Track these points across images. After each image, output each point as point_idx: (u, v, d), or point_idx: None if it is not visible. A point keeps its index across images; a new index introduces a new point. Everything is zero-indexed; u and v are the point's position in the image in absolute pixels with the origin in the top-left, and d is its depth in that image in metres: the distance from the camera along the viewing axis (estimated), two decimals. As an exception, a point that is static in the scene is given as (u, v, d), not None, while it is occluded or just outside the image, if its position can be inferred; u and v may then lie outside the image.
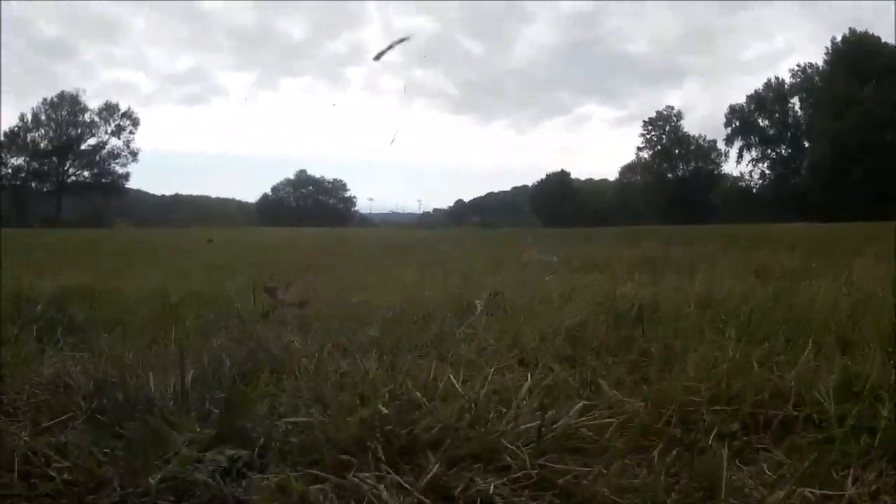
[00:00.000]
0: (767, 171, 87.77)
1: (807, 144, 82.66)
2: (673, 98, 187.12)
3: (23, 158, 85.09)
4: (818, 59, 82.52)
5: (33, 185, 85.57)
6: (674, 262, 9.50)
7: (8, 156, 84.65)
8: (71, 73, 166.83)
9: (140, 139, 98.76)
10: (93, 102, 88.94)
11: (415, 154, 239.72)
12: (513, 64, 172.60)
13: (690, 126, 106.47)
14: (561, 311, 4.20)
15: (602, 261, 10.01)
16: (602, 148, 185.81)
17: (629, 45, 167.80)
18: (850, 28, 76.83)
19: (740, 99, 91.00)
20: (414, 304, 4.81)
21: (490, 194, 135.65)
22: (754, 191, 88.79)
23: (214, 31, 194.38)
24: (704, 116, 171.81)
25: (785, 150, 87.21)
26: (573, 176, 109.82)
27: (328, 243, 22.08)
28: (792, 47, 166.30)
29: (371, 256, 14.11)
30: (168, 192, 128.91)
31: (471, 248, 15.71)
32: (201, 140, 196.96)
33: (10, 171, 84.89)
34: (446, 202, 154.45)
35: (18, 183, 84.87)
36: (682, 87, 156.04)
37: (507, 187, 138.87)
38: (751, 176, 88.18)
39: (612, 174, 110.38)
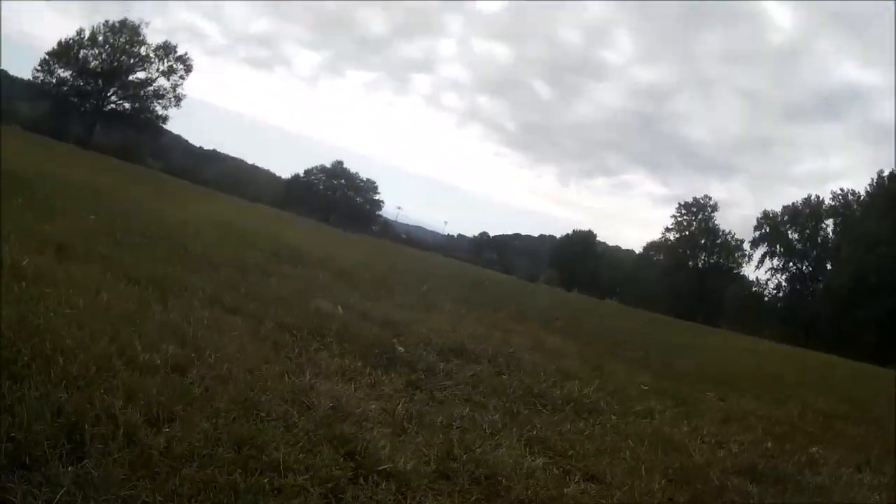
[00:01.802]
0: (784, 284, 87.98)
1: (829, 267, 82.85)
2: (717, 190, 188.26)
3: (70, 72, 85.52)
4: (861, 187, 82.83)
5: (74, 100, 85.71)
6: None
7: (56, 65, 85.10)
8: (145, 5, 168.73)
9: (190, 87, 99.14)
10: (156, 37, 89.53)
11: (453, 174, 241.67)
12: (575, 116, 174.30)
13: (723, 221, 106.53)
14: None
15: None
16: (637, 220, 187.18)
17: (691, 129, 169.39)
18: (897, 165, 77.09)
19: (777, 207, 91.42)
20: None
21: (515, 234, 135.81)
22: (766, 299, 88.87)
23: (296, 3, 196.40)
24: (739, 217, 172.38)
25: (806, 267, 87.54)
26: (601, 239, 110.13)
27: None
28: (842, 172, 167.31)
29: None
30: (207, 146, 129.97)
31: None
32: (253, 103, 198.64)
33: (54, 80, 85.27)
34: (471, 230, 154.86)
35: (59, 94, 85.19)
36: (728, 182, 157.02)
37: (534, 233, 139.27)
38: (766, 284, 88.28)
39: (637, 247, 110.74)
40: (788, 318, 79.98)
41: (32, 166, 14.17)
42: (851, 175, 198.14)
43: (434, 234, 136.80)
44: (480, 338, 8.27)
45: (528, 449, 4.10)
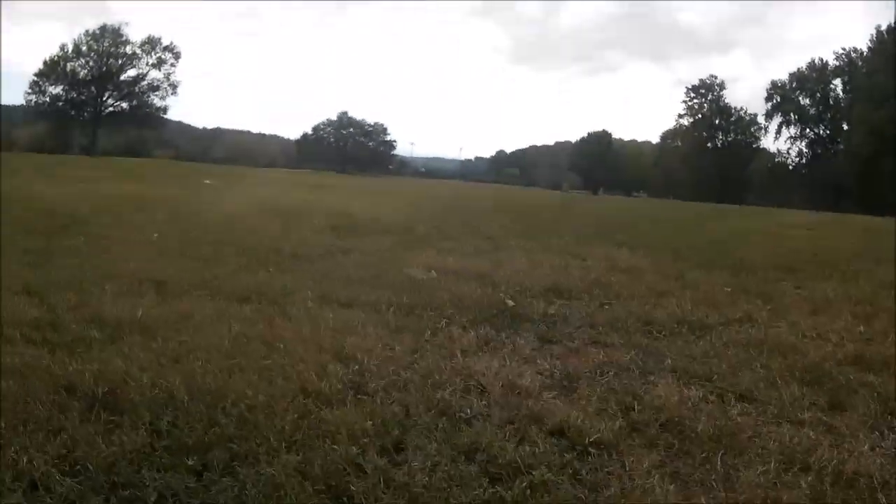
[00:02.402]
0: (805, 150, 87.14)
1: (845, 127, 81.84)
2: (720, 67, 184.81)
3: (61, 87, 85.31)
4: (863, 44, 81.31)
5: (72, 113, 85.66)
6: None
7: (47, 84, 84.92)
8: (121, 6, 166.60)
9: (183, 71, 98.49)
10: (139, 33, 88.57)
11: (459, 101, 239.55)
12: (567, 24, 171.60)
13: (733, 98, 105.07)
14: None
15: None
16: (647, 110, 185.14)
17: (684, 12, 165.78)
18: (896, 17, 75.27)
19: (784, 76, 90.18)
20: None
21: (532, 147, 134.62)
22: (790, 168, 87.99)
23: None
24: (747, 89, 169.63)
25: (823, 130, 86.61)
26: (616, 136, 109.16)
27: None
28: (840, 30, 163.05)
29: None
30: (209, 126, 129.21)
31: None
32: (246, 71, 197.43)
33: (47, 98, 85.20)
34: (487, 151, 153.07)
35: (56, 111, 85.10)
36: (729, 57, 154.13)
37: (550, 141, 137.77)
38: (788, 153, 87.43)
39: (654, 137, 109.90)
40: (816, 183, 79.20)
41: (60, 194, 14.26)
42: (850, 33, 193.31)
43: (451, 161, 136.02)
44: (561, 269, 8.41)
45: (678, 381, 4.23)
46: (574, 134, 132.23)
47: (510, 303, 6.12)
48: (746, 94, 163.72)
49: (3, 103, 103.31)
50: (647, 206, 37.77)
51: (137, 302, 5.18)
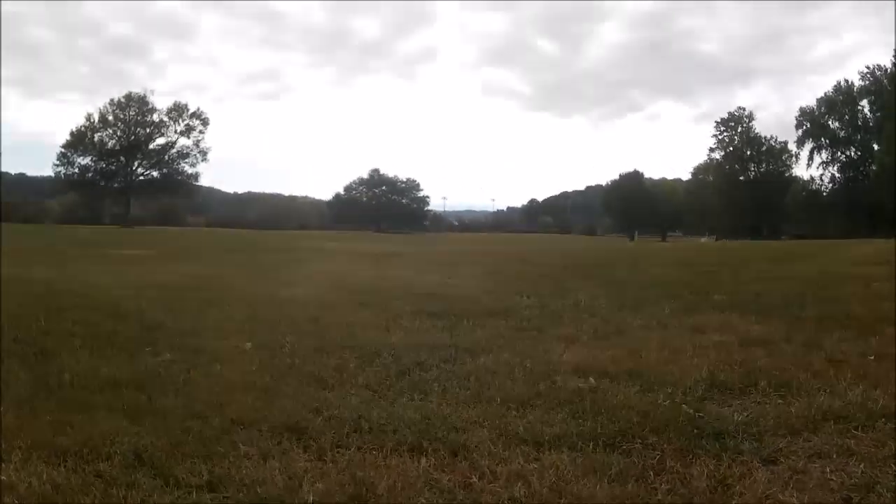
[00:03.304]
0: (837, 175, 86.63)
1: (876, 147, 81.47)
2: (744, 98, 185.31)
3: (90, 158, 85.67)
4: (883, 60, 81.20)
5: (102, 183, 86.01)
6: None
7: (75, 155, 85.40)
8: (142, 72, 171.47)
9: (211, 137, 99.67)
10: (164, 101, 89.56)
11: (487, 152, 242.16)
12: (586, 63, 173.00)
13: (761, 127, 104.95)
14: None
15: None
16: (675, 147, 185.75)
17: (701, 43, 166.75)
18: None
19: (809, 101, 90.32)
20: None
21: (563, 194, 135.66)
22: (824, 195, 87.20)
23: (287, 30, 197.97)
24: (774, 117, 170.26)
25: (855, 152, 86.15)
26: (646, 176, 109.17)
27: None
28: (861, 47, 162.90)
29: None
30: (241, 190, 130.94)
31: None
32: (274, 138, 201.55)
33: (76, 169, 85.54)
34: (520, 200, 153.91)
35: (85, 181, 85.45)
36: (752, 86, 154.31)
37: (580, 186, 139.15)
38: (821, 180, 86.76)
39: (684, 174, 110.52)
40: (851, 207, 78.36)
41: (116, 283, 13.45)
42: (869, 50, 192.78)
43: (484, 212, 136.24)
44: (699, 352, 7.29)
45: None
46: (604, 177, 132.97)
47: (690, 411, 5.10)
48: (772, 121, 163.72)
49: (30, 175, 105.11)
50: (700, 249, 36.43)
51: (288, 466, 4.06)
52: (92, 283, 13.79)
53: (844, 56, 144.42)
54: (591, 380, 6.03)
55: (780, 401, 5.50)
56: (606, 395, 5.54)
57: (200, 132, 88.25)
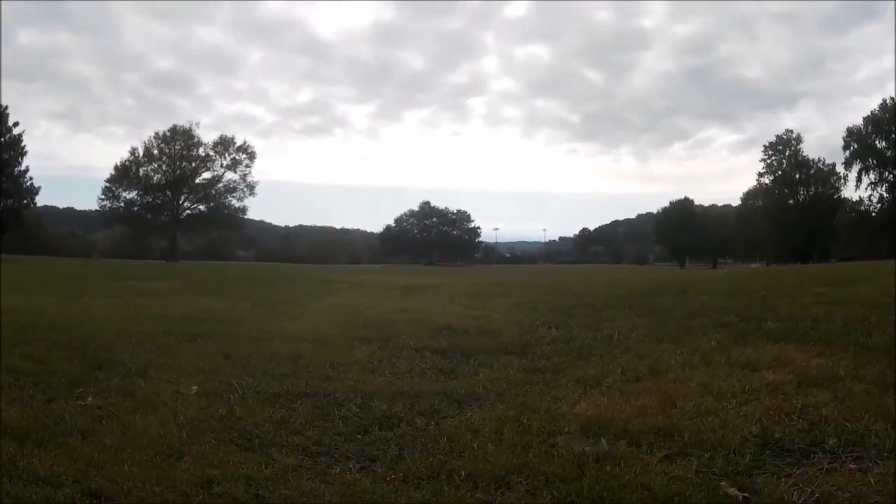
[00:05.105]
0: (885, 195, 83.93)
1: (924, 166, 78.84)
2: (789, 121, 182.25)
3: (135, 192, 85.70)
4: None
5: (148, 216, 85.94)
6: None
7: (120, 189, 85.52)
8: (187, 105, 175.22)
9: (259, 170, 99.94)
10: (211, 134, 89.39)
11: (537, 182, 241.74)
12: (631, 91, 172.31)
13: (807, 150, 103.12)
14: None
15: None
16: (723, 172, 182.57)
17: (744, 69, 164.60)
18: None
19: (853, 120, 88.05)
20: None
21: (615, 222, 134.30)
22: (873, 215, 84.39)
23: (332, 63, 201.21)
24: (819, 140, 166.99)
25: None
26: (696, 202, 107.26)
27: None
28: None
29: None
30: (292, 224, 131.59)
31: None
32: (324, 171, 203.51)
33: (122, 204, 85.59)
34: (572, 230, 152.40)
35: (131, 216, 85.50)
36: (797, 110, 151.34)
37: (631, 215, 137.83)
38: (870, 200, 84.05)
39: (733, 199, 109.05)
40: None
41: (111, 315, 12.34)
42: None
43: (535, 243, 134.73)
44: (751, 398, 5.96)
45: None
46: (654, 205, 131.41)
47: (734, 491, 3.84)
48: (818, 144, 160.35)
49: (79, 209, 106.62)
50: (752, 275, 34.23)
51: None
52: (84, 314, 12.81)
53: (885, 76, 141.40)
54: (604, 441, 4.65)
55: (853, 465, 4.31)
56: (618, 468, 4.16)
57: (247, 166, 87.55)
